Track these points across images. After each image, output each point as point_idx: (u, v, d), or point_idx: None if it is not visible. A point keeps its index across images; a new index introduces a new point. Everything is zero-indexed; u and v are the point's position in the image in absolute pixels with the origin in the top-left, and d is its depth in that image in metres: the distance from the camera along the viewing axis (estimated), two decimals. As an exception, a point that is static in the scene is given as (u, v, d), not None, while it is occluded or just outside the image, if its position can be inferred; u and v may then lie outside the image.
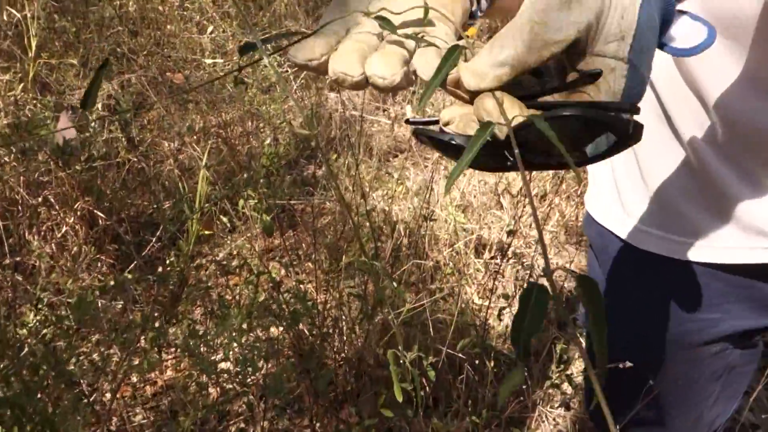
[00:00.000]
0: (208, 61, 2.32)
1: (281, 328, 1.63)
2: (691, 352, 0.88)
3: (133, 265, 1.88)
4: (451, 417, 1.61)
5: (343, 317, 1.66)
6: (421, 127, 0.52)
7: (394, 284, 1.64)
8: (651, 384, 0.91)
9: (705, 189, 0.77)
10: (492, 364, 1.44)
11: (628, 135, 0.45)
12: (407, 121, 0.55)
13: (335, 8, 0.50)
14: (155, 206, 1.98)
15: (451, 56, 0.46)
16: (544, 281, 0.39)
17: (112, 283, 1.65)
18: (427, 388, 1.58)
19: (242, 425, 1.65)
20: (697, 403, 0.94)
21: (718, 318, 0.84)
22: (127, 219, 2.10)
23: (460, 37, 0.53)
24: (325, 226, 2.14)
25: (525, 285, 1.71)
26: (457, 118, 0.47)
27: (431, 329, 1.58)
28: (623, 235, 0.85)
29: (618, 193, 0.86)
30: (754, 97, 0.68)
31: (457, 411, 1.61)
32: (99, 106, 2.53)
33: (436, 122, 0.52)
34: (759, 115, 0.69)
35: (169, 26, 2.38)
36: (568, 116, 0.44)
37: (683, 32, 0.47)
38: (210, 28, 2.47)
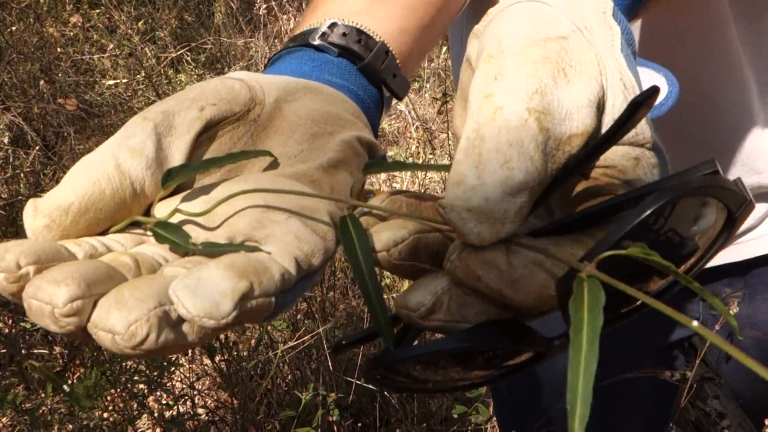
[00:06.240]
0: (110, 82, 2.17)
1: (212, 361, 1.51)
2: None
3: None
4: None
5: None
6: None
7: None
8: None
9: None
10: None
11: (748, 201, 0.28)
12: (337, 348, 0.35)
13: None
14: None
15: (354, 227, 0.29)
16: None
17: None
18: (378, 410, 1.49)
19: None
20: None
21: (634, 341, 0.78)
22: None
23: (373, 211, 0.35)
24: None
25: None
26: (444, 299, 0.28)
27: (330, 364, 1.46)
28: None
29: None
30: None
31: (406, 428, 1.52)
32: (5, 140, 2.39)
33: (373, 337, 0.33)
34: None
35: (59, 49, 2.22)
36: (645, 218, 0.25)
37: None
38: (110, 46, 2.31)
